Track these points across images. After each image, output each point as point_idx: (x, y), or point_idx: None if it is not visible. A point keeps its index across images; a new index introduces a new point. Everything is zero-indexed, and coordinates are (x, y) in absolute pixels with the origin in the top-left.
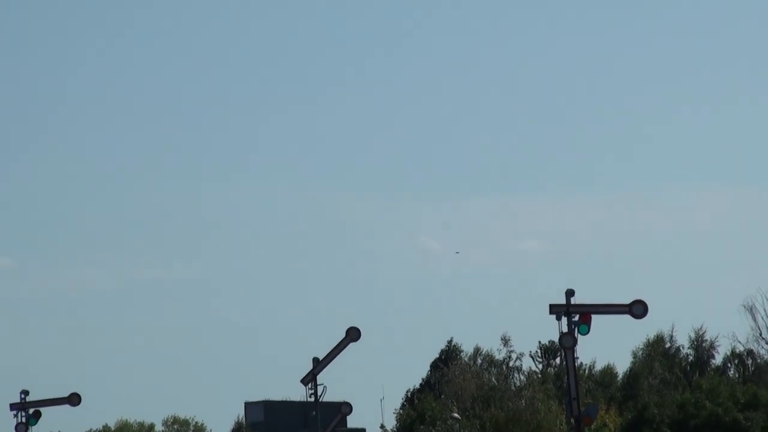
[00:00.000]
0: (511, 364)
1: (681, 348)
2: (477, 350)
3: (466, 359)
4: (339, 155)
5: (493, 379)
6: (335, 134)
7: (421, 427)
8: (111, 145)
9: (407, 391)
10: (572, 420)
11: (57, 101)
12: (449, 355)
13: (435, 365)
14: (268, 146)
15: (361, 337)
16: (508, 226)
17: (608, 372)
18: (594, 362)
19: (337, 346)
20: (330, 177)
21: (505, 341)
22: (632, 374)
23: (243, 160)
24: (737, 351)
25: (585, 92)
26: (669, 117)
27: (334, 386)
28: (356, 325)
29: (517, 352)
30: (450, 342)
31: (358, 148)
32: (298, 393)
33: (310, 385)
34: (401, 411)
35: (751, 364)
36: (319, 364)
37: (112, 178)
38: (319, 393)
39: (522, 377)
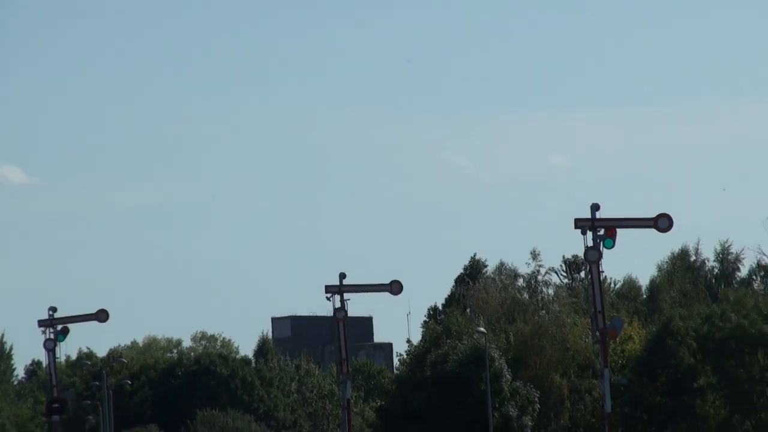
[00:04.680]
0: (539, 278)
1: (706, 261)
2: (501, 265)
3: (489, 274)
4: (368, 74)
5: (517, 294)
6: (366, 54)
7: (448, 341)
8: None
9: (429, 308)
10: (597, 333)
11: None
12: (473, 270)
13: (459, 281)
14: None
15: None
16: (534, 142)
17: (632, 285)
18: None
19: (374, 285)
20: (358, 94)
21: (534, 255)
22: (654, 287)
23: (260, 80)
24: (762, 263)
25: (611, 3)
26: (695, 33)
27: (360, 301)
28: (384, 242)
29: (546, 266)
30: (473, 257)
31: (386, 65)
32: (325, 308)
33: (336, 300)
34: (427, 326)
35: None
36: (349, 288)
37: (143, 101)
38: (345, 308)
39: (550, 291)
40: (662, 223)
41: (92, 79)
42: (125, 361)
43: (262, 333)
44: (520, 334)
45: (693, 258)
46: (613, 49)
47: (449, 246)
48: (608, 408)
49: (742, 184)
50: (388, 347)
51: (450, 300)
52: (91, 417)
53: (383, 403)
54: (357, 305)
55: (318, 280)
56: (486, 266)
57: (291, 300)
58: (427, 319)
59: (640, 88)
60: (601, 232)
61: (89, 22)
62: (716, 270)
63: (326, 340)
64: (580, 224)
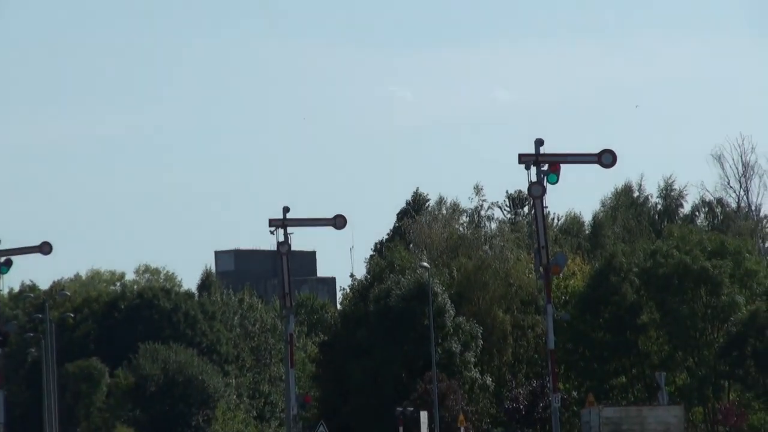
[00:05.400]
0: (482, 213)
1: (649, 197)
2: (441, 199)
3: (431, 208)
4: (311, 6)
5: (461, 228)
6: None
7: (391, 276)
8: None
9: (376, 242)
10: (541, 269)
11: None
12: (415, 205)
13: (402, 215)
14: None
15: (346, 224)
16: (479, 77)
17: (575, 221)
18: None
19: (317, 219)
20: (300, 27)
21: (478, 190)
22: (597, 223)
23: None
24: (706, 200)
25: None
26: None
27: (304, 235)
28: (329, 176)
29: (489, 201)
30: (416, 192)
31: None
32: (268, 242)
33: (279, 233)
34: (371, 260)
35: (720, 213)
36: (293, 222)
37: (85, 30)
38: (289, 242)
39: (493, 226)
40: (606, 158)
41: (30, 9)
42: (68, 294)
43: (206, 266)
44: (464, 270)
45: (636, 194)
46: None
47: (392, 180)
48: (551, 344)
49: (686, 120)
50: (331, 281)
51: (393, 234)
52: (33, 350)
53: (326, 337)
54: (300, 239)
55: (262, 214)
56: (428, 200)
57: (234, 233)
58: (374, 253)
59: (586, 24)
60: (545, 167)
61: None
62: (659, 206)
63: (270, 274)
64: (524, 159)
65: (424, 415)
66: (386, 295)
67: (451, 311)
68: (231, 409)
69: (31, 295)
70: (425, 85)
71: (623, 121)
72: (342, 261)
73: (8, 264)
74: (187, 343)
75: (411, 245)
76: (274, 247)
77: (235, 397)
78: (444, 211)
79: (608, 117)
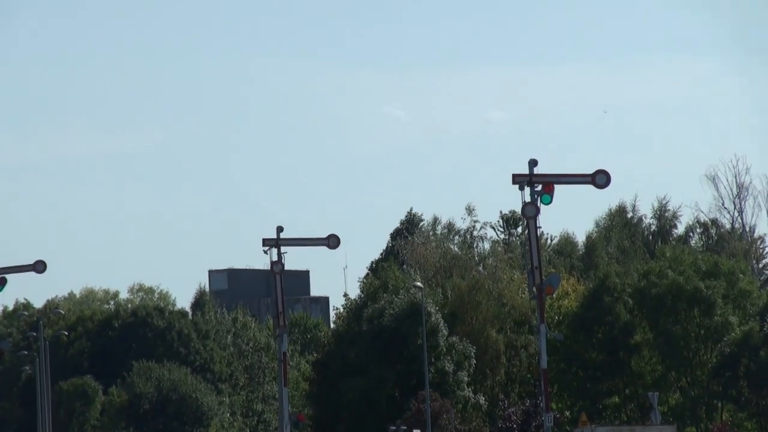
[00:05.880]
0: (475, 233)
1: (643, 218)
2: (435, 219)
3: (425, 229)
4: (306, 26)
5: (455, 248)
6: (303, 6)
7: (384, 295)
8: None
9: (372, 261)
10: (534, 289)
11: None
12: (409, 225)
13: (396, 235)
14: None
15: (340, 244)
16: (473, 97)
17: (568, 241)
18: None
19: (311, 239)
20: (293, 47)
21: (470, 210)
22: (590, 243)
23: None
24: (700, 220)
25: None
26: None
27: (297, 254)
28: (323, 196)
29: (481, 221)
30: (410, 212)
31: (323, 18)
32: (262, 261)
33: (273, 253)
34: (365, 280)
35: (714, 233)
36: (286, 242)
37: (82, 49)
38: (282, 261)
39: (486, 246)
40: (600, 179)
41: (22, 27)
42: (62, 312)
43: (200, 285)
44: (457, 289)
45: (630, 214)
46: (553, 4)
47: (386, 200)
48: (544, 364)
49: (680, 140)
50: (324, 301)
51: (387, 254)
52: (27, 368)
53: (319, 356)
54: (294, 259)
55: (255, 233)
56: (422, 220)
57: (228, 253)
58: (368, 273)
59: (579, 44)
60: (539, 187)
61: None
62: (653, 227)
63: (263, 293)
64: (518, 179)
65: None
66: (380, 315)
67: (444, 331)
68: (224, 428)
69: (26, 313)
70: (419, 105)
71: (617, 141)
72: (335, 280)
73: (2, 282)
74: (181, 361)
75: (404, 265)
76: (267, 267)
77: (228, 415)
78: (438, 231)
79: (602, 137)
